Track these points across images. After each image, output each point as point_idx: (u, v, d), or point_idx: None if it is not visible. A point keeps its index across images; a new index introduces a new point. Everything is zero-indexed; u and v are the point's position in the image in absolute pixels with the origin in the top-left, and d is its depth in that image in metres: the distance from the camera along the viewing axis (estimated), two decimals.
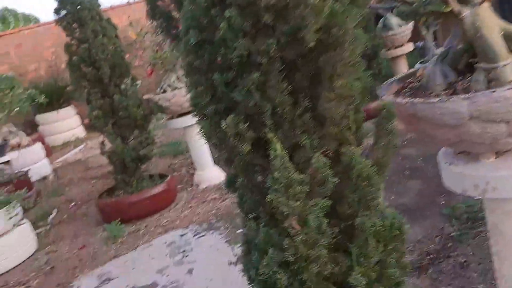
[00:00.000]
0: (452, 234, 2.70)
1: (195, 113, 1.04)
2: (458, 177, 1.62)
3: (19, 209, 4.10)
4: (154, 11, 1.18)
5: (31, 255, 4.17)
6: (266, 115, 0.96)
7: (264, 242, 1.11)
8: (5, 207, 3.87)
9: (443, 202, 3.13)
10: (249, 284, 1.21)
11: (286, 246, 1.03)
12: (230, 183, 1.26)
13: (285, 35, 0.89)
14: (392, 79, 1.82)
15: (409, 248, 2.75)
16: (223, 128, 0.95)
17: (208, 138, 1.03)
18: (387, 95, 1.64)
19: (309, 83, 0.99)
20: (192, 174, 5.40)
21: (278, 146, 0.97)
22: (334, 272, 1.11)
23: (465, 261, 2.41)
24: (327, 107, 0.98)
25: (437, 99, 1.37)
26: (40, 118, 9.95)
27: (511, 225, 1.63)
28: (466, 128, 1.40)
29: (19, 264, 3.98)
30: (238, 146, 0.96)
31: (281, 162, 0.98)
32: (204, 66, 0.98)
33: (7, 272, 3.86)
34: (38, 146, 7.63)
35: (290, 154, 1.04)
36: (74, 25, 4.49)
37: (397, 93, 1.68)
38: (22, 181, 5.82)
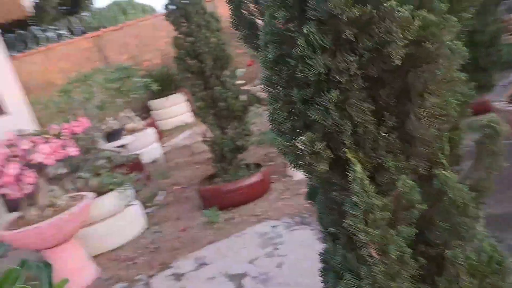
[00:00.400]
0: None
1: (272, 128, 1.02)
2: None
3: (131, 191, 4.52)
4: (238, 21, 1.17)
5: (140, 233, 4.59)
6: (345, 134, 0.90)
7: (341, 266, 1.06)
8: (119, 189, 4.30)
9: None
10: None
11: (363, 274, 0.97)
12: (310, 196, 1.22)
13: (369, 51, 0.81)
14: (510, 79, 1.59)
15: None
16: (298, 146, 0.91)
17: (284, 154, 1.00)
18: (502, 99, 1.44)
19: (396, 101, 0.89)
20: (286, 165, 5.43)
21: (358, 167, 0.91)
22: None
23: None
24: (417, 126, 0.88)
25: None
26: (152, 103, 10.83)
27: None
28: None
29: (130, 241, 4.41)
30: (314, 164, 0.92)
31: (361, 185, 0.91)
32: (283, 82, 0.94)
33: (119, 247, 4.31)
34: (151, 130, 8.34)
35: (372, 175, 0.96)
36: (181, 19, 4.74)
37: None
38: (134, 164, 6.42)
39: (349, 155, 0.90)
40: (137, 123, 8.59)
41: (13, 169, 2.85)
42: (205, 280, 3.36)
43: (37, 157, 3.01)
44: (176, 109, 10.68)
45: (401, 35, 0.76)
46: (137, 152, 7.42)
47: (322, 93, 0.86)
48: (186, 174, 6.62)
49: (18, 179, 2.93)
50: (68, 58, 11.24)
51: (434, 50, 0.79)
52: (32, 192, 3.21)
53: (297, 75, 0.88)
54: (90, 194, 3.83)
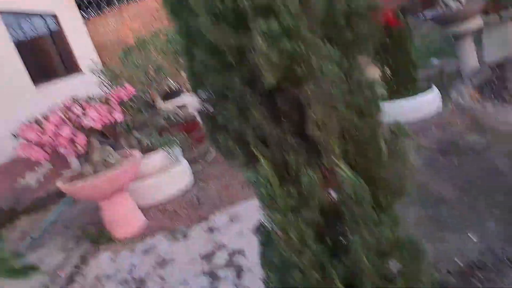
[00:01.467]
0: None
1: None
2: None
3: (178, 150, 4.92)
4: None
5: (187, 189, 5.03)
6: (249, 136, 1.04)
7: (263, 241, 1.24)
8: (166, 148, 4.71)
9: None
10: None
11: (273, 251, 1.15)
12: None
13: (248, 73, 0.94)
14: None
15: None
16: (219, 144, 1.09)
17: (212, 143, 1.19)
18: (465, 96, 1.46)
19: (291, 109, 1.02)
20: None
21: (265, 163, 1.06)
22: (327, 279, 1.18)
23: None
24: (311, 131, 1.00)
25: None
26: None
27: None
28: None
29: (176, 196, 4.87)
30: (230, 159, 1.08)
31: (266, 178, 1.07)
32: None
33: (166, 201, 4.79)
34: None
35: (281, 170, 1.11)
36: None
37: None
38: (192, 123, 6.83)
39: (256, 153, 1.05)
40: None
41: (66, 132, 3.30)
42: (235, 234, 3.68)
43: (87, 122, 3.43)
44: None
45: (267, 68, 0.88)
46: (194, 113, 7.84)
47: (223, 104, 1.02)
48: None
49: (71, 140, 3.38)
50: (139, 18, 11.80)
51: (305, 74, 0.90)
52: (86, 152, 3.68)
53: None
54: (139, 153, 4.27)
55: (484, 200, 3.03)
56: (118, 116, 3.70)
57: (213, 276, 3.16)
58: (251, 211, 4.00)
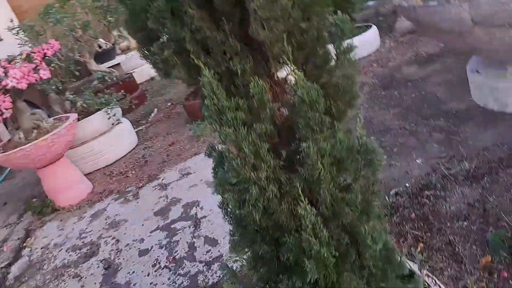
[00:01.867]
0: None
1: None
2: (480, 87, 1.41)
3: (117, 110, 4.66)
4: None
5: (132, 150, 4.82)
6: (187, 41, 0.94)
7: (217, 163, 1.17)
8: (105, 108, 4.44)
9: None
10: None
11: (227, 169, 1.07)
12: None
13: None
14: None
15: (472, 155, 2.53)
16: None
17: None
18: None
19: (232, 6, 0.91)
20: None
21: (206, 72, 0.96)
22: (288, 191, 1.13)
23: None
24: (255, 30, 0.92)
25: (435, 3, 1.17)
26: None
27: None
28: (473, 35, 1.19)
29: (122, 157, 4.66)
30: (167, 70, 0.98)
31: (210, 88, 0.98)
32: None
33: (111, 164, 4.58)
34: None
35: (227, 80, 1.02)
36: None
37: None
38: (128, 83, 6.50)
39: (196, 61, 0.95)
40: (131, 42, 8.50)
41: None
42: (188, 188, 3.60)
43: (10, 82, 3.11)
44: None
45: None
46: (131, 71, 7.46)
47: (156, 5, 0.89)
48: (179, 90, 6.70)
49: None
50: None
51: None
52: (13, 116, 3.36)
53: None
54: (74, 115, 3.99)
55: (425, 125, 3.15)
56: (44, 73, 3.38)
57: (169, 230, 3.09)
58: (201, 165, 3.92)
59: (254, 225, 1.19)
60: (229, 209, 1.19)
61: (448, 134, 2.90)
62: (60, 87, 4.38)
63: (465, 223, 2.06)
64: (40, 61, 3.39)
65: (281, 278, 1.26)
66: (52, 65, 3.81)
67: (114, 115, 4.55)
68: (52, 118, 4.01)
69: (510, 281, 1.71)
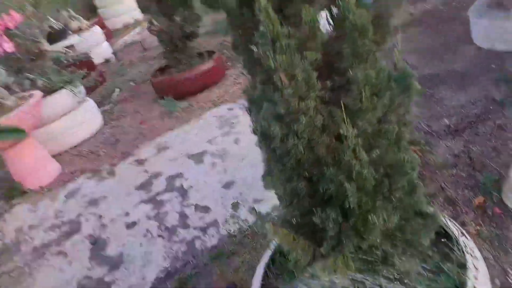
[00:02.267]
0: (496, 98, 2.58)
1: None
2: (486, 30, 1.51)
3: (81, 88, 4.46)
4: None
5: (98, 129, 4.64)
6: None
7: (259, 97, 1.17)
8: (69, 86, 4.23)
9: (495, 66, 2.93)
10: (254, 134, 1.31)
11: (277, 100, 1.08)
12: (234, 47, 1.29)
13: None
14: None
15: (450, 113, 2.69)
16: None
17: None
18: None
19: None
20: None
21: None
22: (328, 125, 1.16)
23: (503, 124, 2.34)
24: None
25: None
26: (98, 1, 10.08)
27: None
28: None
29: (89, 138, 4.48)
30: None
31: (266, 15, 0.97)
32: None
33: (79, 144, 4.38)
34: (98, 29, 7.90)
35: (279, 8, 1.02)
36: None
37: None
38: (85, 63, 6.21)
39: None
40: (82, 22, 8.09)
41: None
42: (167, 161, 3.54)
43: None
44: (125, 5, 10.01)
45: None
46: (87, 52, 7.13)
47: None
48: (140, 70, 6.51)
49: None
50: None
51: None
52: None
53: None
54: (38, 92, 3.77)
55: None
56: (8, 46, 3.15)
57: (155, 202, 3.03)
58: (178, 139, 3.86)
59: (294, 159, 1.22)
60: (271, 144, 1.19)
61: (425, 96, 3.05)
62: (19, 65, 4.11)
63: (454, 171, 2.21)
64: (1, 34, 3.15)
65: (315, 211, 1.29)
66: (15, 38, 3.56)
67: (79, 92, 4.34)
68: (13, 96, 3.76)
69: (503, 216, 1.86)
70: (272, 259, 1.71)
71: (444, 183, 2.15)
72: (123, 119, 4.78)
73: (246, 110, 1.28)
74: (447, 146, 2.40)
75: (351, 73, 1.09)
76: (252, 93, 1.21)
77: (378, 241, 1.32)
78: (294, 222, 1.42)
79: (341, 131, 1.12)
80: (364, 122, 1.17)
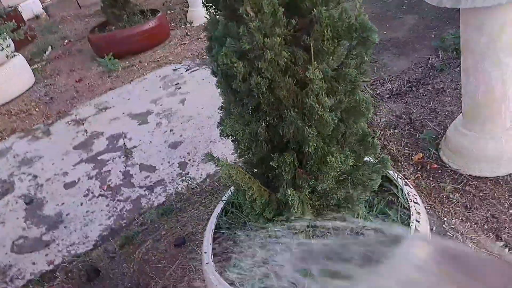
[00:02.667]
0: (435, 64, 2.72)
1: None
2: None
3: (10, 42, 4.08)
4: None
5: (29, 88, 4.31)
6: None
7: (222, 33, 1.13)
8: None
9: (434, 35, 3.08)
10: (213, 76, 1.27)
11: (241, 34, 1.05)
12: None
13: None
14: None
15: (392, 78, 2.80)
16: None
17: None
18: None
19: None
20: (186, 12, 5.22)
21: None
22: (292, 67, 1.15)
23: (441, 88, 2.49)
24: None
25: None
26: None
27: (480, 42, 1.62)
28: None
29: (19, 96, 4.14)
30: None
31: None
32: None
33: (8, 102, 4.05)
34: None
35: None
36: None
37: None
38: (13, 17, 5.67)
39: None
40: None
41: None
42: (108, 121, 3.37)
43: None
44: None
45: None
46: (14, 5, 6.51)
47: None
48: (75, 27, 6.09)
49: None
50: None
51: None
52: None
53: None
54: None
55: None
56: None
57: (96, 161, 2.89)
58: (119, 99, 3.68)
59: (255, 101, 1.20)
60: (231, 85, 1.16)
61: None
62: None
63: (396, 131, 2.32)
64: None
65: (273, 156, 1.29)
66: None
67: (8, 46, 3.97)
68: None
69: (439, 170, 1.99)
70: (224, 211, 1.71)
71: (387, 142, 2.26)
72: (58, 78, 4.47)
73: (206, 50, 1.23)
74: (390, 108, 2.51)
75: (315, 12, 1.07)
76: (214, 31, 1.17)
77: (331, 185, 1.36)
78: (249, 171, 1.42)
79: (307, 74, 1.12)
80: (325, 65, 1.18)
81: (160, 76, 3.93)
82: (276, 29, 1.05)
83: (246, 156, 1.37)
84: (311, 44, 1.12)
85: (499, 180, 1.82)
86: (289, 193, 1.22)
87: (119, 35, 4.38)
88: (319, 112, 1.15)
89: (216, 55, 1.16)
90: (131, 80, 3.98)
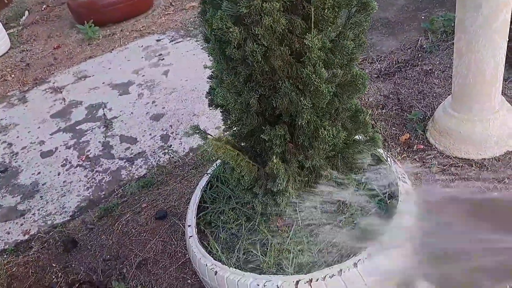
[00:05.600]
0: (424, 46, 2.70)
1: None
2: None
3: None
4: None
5: (5, 53, 4.11)
6: None
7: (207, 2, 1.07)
8: None
9: (424, 17, 3.05)
10: (206, 42, 1.21)
11: None
12: None
13: None
14: None
15: (381, 57, 2.78)
16: None
17: None
18: None
19: None
20: None
21: None
22: (289, 35, 1.10)
23: (430, 69, 2.47)
24: None
25: None
26: None
27: (475, 22, 1.60)
28: None
29: None
30: None
31: None
32: None
33: None
34: None
35: None
36: None
37: None
38: None
39: None
40: None
41: None
42: (87, 90, 3.25)
43: None
44: None
45: None
46: None
47: None
48: None
49: None
50: None
51: None
52: None
53: None
54: None
55: None
56: None
57: (74, 131, 2.79)
58: (99, 68, 3.55)
59: (248, 70, 1.15)
60: (225, 51, 1.10)
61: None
62: None
63: (384, 111, 2.30)
64: None
65: (264, 129, 1.25)
66: None
67: None
68: None
69: (425, 151, 2.00)
70: (209, 184, 1.67)
71: (375, 121, 2.24)
72: (35, 44, 4.27)
73: (199, 14, 1.16)
74: (378, 88, 2.49)
75: None
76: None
77: (321, 161, 1.33)
78: (238, 144, 1.37)
79: (305, 41, 1.07)
80: (323, 35, 1.13)
81: (142, 46, 3.81)
82: None
83: (236, 128, 1.33)
84: (312, 12, 1.08)
85: (485, 163, 1.83)
86: (275, 162, 1.18)
87: (100, 2, 4.20)
88: (315, 83, 1.11)
89: (211, 18, 1.10)
90: (112, 49, 3.84)
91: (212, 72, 1.34)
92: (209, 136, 1.31)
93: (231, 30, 1.04)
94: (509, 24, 1.64)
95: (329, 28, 1.14)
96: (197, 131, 1.37)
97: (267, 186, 1.33)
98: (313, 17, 1.06)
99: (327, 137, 1.20)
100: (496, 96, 1.80)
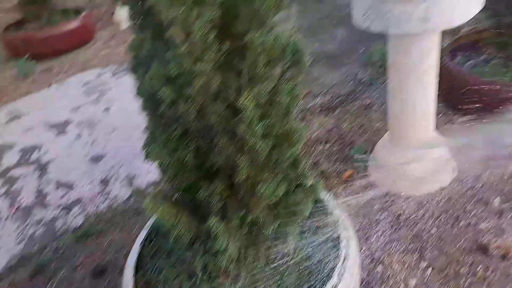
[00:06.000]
0: (364, 79, 2.79)
1: None
2: (362, 10, 1.59)
3: None
4: None
5: None
6: None
7: (148, 56, 1.02)
8: None
9: (363, 49, 3.17)
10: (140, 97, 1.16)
11: (169, 58, 0.95)
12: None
13: None
14: None
15: (323, 91, 2.84)
16: None
17: None
18: None
19: None
20: (113, 12, 4.94)
21: None
22: (223, 93, 1.08)
23: (369, 103, 2.55)
24: None
25: None
26: None
27: (407, 63, 1.67)
28: None
29: None
30: None
31: None
32: None
33: None
34: None
35: None
36: None
37: None
38: None
39: None
40: None
41: None
42: (21, 131, 3.06)
43: None
44: None
45: None
46: None
47: None
48: None
49: None
50: None
51: None
52: None
53: None
54: None
55: None
56: None
57: (5, 177, 2.60)
58: (37, 104, 3.37)
59: (183, 127, 1.11)
60: (157, 110, 1.06)
61: None
62: None
63: (327, 145, 2.33)
64: None
65: (202, 184, 1.21)
66: None
67: None
68: None
69: (368, 188, 2.02)
70: (149, 238, 1.59)
71: (318, 157, 2.26)
72: None
73: (130, 71, 1.11)
74: (321, 123, 2.52)
75: (248, 37, 1.01)
76: (139, 50, 1.06)
77: (262, 214, 1.30)
78: (176, 198, 1.32)
79: (238, 104, 1.05)
80: (257, 91, 1.12)
81: (82, 81, 3.67)
82: (207, 54, 0.97)
83: (173, 183, 1.28)
84: (245, 71, 1.06)
85: (423, 200, 1.88)
86: (213, 223, 1.14)
87: (37, 35, 4.03)
88: (251, 141, 1.09)
89: (142, 77, 1.05)
90: (50, 85, 3.67)
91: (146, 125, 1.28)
92: (147, 197, 1.25)
93: (161, 91, 1.00)
94: (437, 64, 1.73)
95: (264, 84, 1.12)
96: (139, 194, 1.31)
97: (207, 244, 1.28)
98: (246, 76, 1.04)
99: (267, 191, 1.18)
100: (429, 132, 1.88)
